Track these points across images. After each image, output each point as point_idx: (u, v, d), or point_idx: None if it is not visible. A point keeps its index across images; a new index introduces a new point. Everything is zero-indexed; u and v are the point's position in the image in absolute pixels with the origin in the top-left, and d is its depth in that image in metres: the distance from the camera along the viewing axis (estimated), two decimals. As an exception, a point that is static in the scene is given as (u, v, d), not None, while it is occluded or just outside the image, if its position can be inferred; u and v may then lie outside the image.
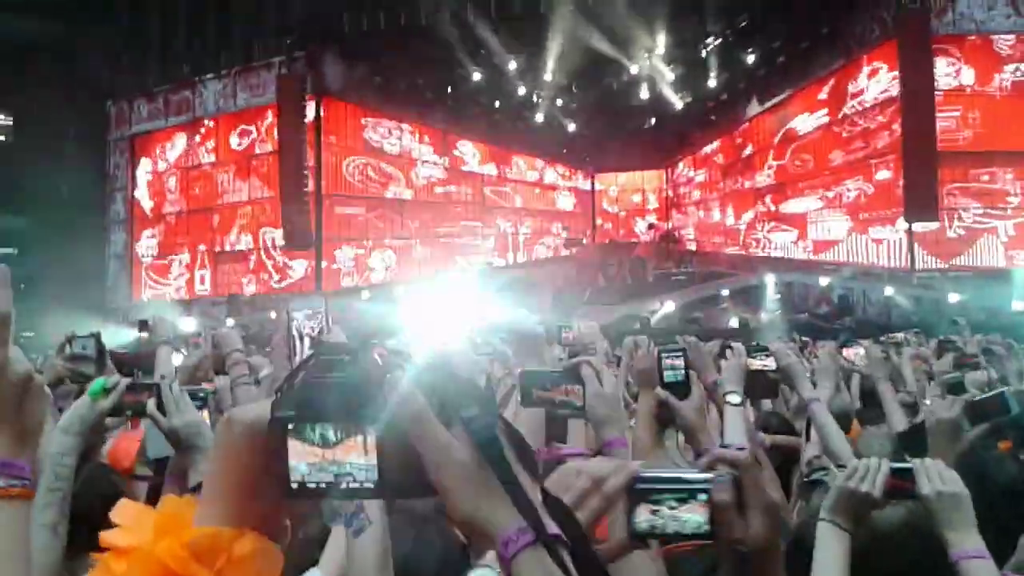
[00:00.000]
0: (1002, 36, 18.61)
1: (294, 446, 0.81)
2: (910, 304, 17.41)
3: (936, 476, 1.82)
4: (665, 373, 2.31)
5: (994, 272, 18.13)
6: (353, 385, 0.82)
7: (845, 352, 4.78)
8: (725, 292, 21.02)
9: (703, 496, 1.03)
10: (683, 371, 2.31)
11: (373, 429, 0.80)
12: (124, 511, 0.93)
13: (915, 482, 1.83)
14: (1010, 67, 18.61)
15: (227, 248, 23.76)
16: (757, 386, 3.12)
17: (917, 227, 17.97)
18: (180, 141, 24.67)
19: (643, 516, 1.05)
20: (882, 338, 10.52)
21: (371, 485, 0.81)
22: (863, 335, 10.73)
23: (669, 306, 19.45)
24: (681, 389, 2.27)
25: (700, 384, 3.44)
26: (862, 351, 4.66)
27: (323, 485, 0.82)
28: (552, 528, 0.80)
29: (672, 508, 1.03)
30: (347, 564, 1.47)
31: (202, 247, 24.19)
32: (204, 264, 24.16)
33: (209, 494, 0.90)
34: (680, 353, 2.33)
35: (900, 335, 9.86)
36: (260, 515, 0.90)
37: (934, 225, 17.80)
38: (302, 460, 0.81)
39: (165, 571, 0.85)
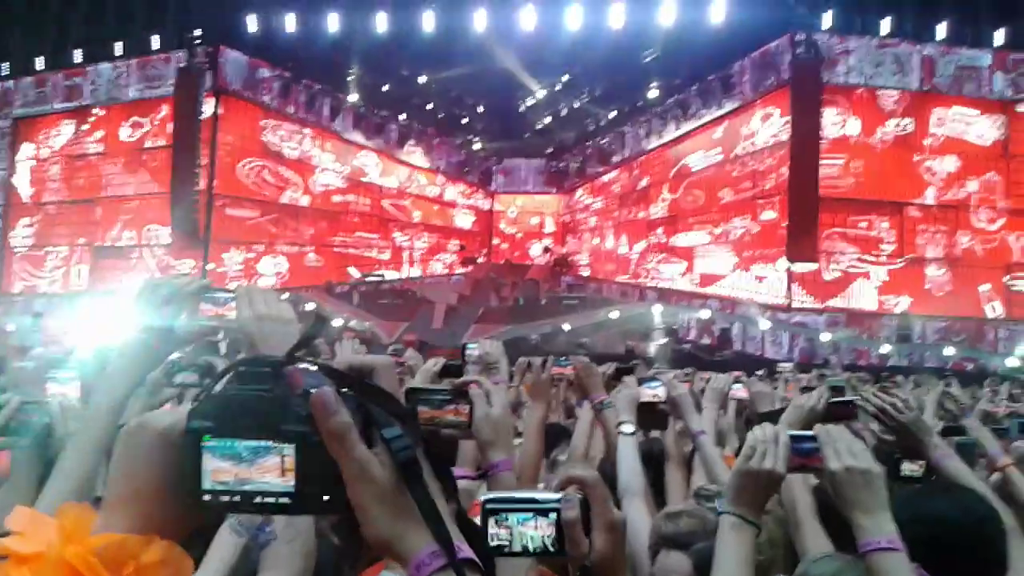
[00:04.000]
0: (887, 91, 19.80)
1: (208, 459, 0.79)
2: (786, 341, 18.20)
3: (845, 449, 1.61)
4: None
5: (865, 315, 19.17)
6: (274, 399, 0.79)
7: (733, 391, 4.90)
8: (615, 316, 21.43)
9: (552, 515, 1.06)
10: None
11: (292, 446, 0.78)
12: (21, 517, 0.88)
13: (819, 454, 1.63)
14: (892, 121, 19.81)
15: (108, 243, 22.76)
16: (647, 417, 3.19)
17: (797, 267, 18.81)
18: (67, 128, 23.57)
19: (495, 533, 1.08)
20: (759, 372, 10.98)
21: (286, 501, 0.79)
22: (741, 368, 11.15)
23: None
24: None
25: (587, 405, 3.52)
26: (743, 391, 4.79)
27: (236, 499, 0.79)
28: (465, 552, 0.79)
29: (523, 526, 1.06)
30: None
31: (82, 240, 23.11)
32: (82, 258, 23.07)
33: (114, 500, 0.87)
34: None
35: (787, 366, 10.32)
36: (168, 522, 0.87)
37: (813, 266, 18.67)
38: (217, 472, 0.79)
39: None
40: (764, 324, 18.72)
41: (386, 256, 27.02)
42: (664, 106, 23.57)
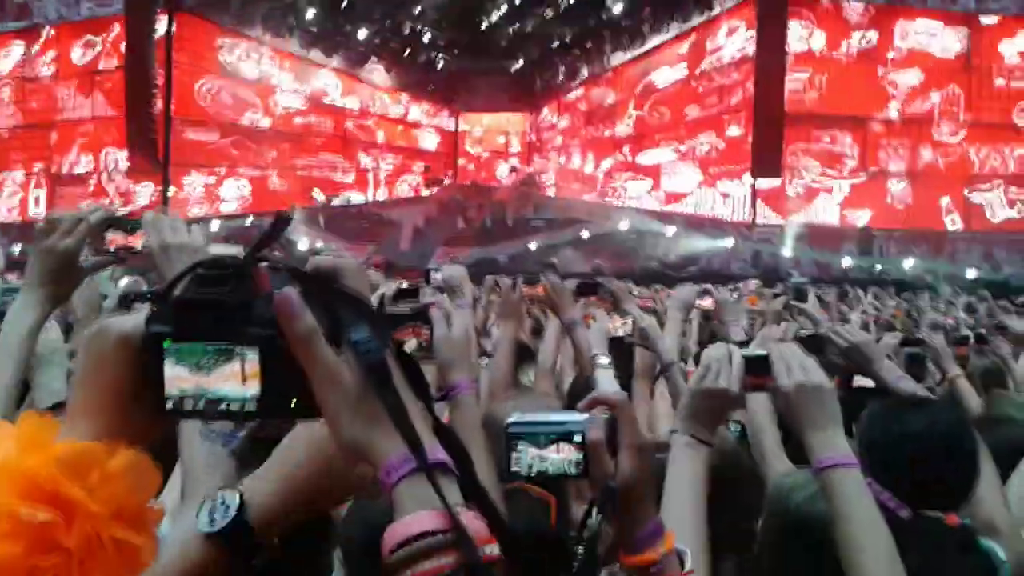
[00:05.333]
0: (852, 3, 19.64)
1: (170, 364, 0.77)
2: (750, 256, 18.41)
3: (796, 365, 1.58)
4: None
5: (828, 230, 19.41)
6: (236, 302, 0.77)
7: (699, 302, 4.96)
8: (585, 234, 21.47)
9: (578, 437, 1.05)
10: None
11: (256, 349, 0.75)
12: None
13: (771, 373, 1.60)
14: (857, 34, 19.70)
15: (65, 169, 22.20)
16: (616, 351, 3.24)
17: (761, 183, 18.92)
18: (16, 49, 22.66)
19: (520, 457, 1.08)
20: (730, 287, 11.14)
21: (251, 408, 0.77)
22: (707, 283, 11.30)
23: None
24: None
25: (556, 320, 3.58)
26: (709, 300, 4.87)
27: (200, 406, 0.77)
28: (438, 455, 0.77)
29: (547, 448, 1.06)
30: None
31: (38, 166, 22.50)
32: (40, 184, 22.52)
33: (77, 407, 0.86)
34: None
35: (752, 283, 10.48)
36: (133, 429, 0.85)
37: (776, 182, 18.79)
38: (179, 379, 0.77)
39: (33, 488, 0.80)
40: (729, 241, 18.88)
41: (350, 178, 26.67)
42: (629, 21, 23.17)
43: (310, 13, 22.88)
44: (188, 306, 0.78)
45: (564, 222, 23.03)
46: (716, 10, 20.63)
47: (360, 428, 0.76)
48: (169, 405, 0.78)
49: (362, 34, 24.28)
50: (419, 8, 23.08)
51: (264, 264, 0.81)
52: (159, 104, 19.52)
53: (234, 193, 22.68)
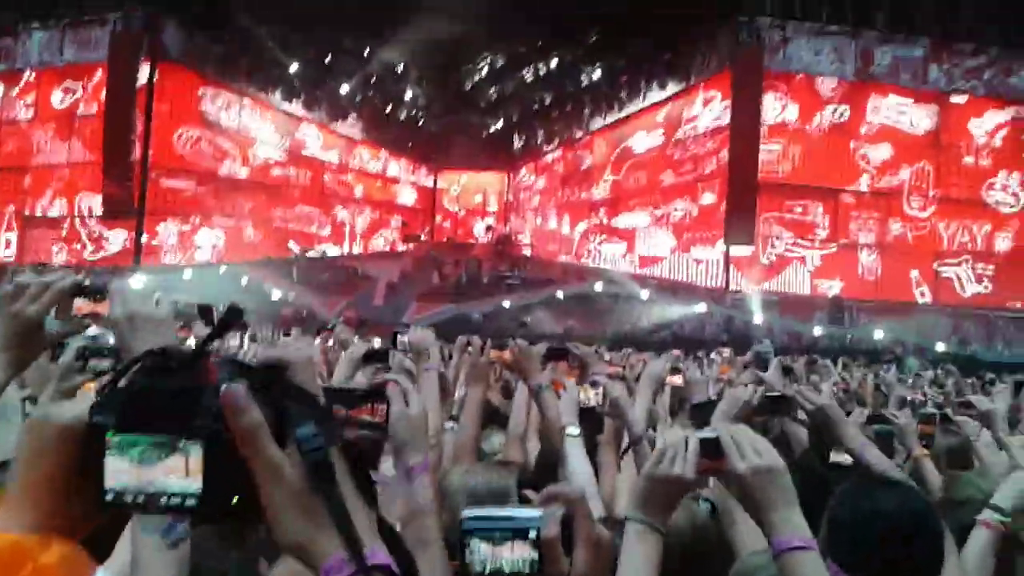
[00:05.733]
0: (826, 78, 20.17)
1: (111, 456, 0.75)
2: (722, 322, 18.53)
3: (748, 447, 1.55)
4: None
5: (799, 299, 19.62)
6: (182, 395, 0.76)
7: (669, 379, 4.93)
8: (560, 295, 21.52)
9: (532, 533, 1.03)
10: None
11: (200, 444, 0.74)
12: None
13: (725, 457, 1.57)
14: (830, 108, 20.20)
15: (38, 213, 22.02)
16: (586, 421, 3.22)
17: (734, 250, 19.14)
18: (-5, 92, 22.67)
19: (474, 553, 1.06)
20: (699, 353, 11.19)
21: (192, 503, 0.75)
22: (678, 348, 11.34)
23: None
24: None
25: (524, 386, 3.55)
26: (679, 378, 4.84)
27: (140, 500, 0.76)
28: (379, 558, 0.76)
29: (502, 545, 1.04)
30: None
31: (11, 208, 22.31)
32: (11, 227, 22.29)
33: (16, 496, 0.85)
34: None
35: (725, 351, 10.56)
36: (72, 520, 0.84)
37: (749, 249, 19.01)
38: (119, 472, 0.75)
39: None
40: (701, 307, 19.01)
41: (327, 232, 26.68)
42: (607, 87, 23.66)
43: (293, 67, 23.12)
44: (133, 397, 0.77)
45: (539, 282, 23.12)
46: (693, 80, 21.09)
47: (301, 527, 0.76)
48: (109, 497, 0.76)
49: (344, 89, 24.53)
50: (402, 66, 23.41)
51: (212, 357, 0.80)
52: (137, 151, 19.50)
53: (208, 242, 22.56)
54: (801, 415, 3.00)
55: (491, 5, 18.60)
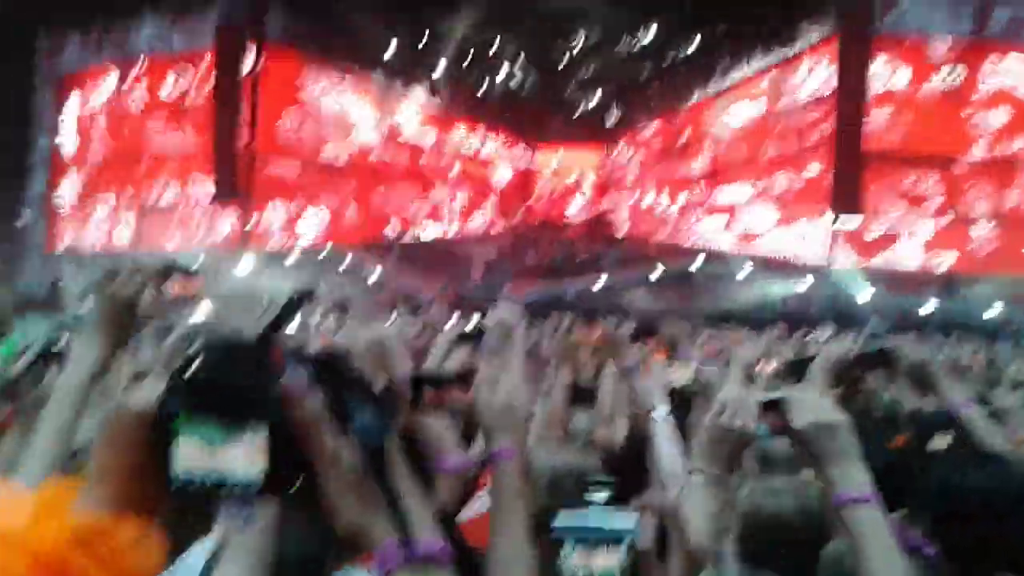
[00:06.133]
0: (939, 38, 19.13)
1: (180, 442, 0.79)
2: (828, 299, 17.96)
3: (809, 406, 1.60)
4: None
5: (910, 274, 18.82)
6: (247, 383, 0.80)
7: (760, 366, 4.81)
8: (656, 274, 21.31)
9: (628, 541, 1.06)
10: None
11: (263, 431, 0.78)
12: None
13: (787, 416, 1.61)
14: (944, 70, 19.18)
15: (152, 200, 23.04)
16: (677, 401, 3.17)
17: (841, 223, 18.48)
18: (110, 82, 23.74)
19: (566, 558, 1.06)
20: (801, 331, 10.90)
21: (257, 487, 0.79)
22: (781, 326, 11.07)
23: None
24: None
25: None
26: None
27: (208, 483, 0.80)
28: (433, 545, 0.81)
29: (595, 551, 1.05)
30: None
31: (126, 194, 23.40)
32: (127, 216, 23.40)
33: (94, 477, 0.89)
34: None
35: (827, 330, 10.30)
36: (145, 502, 0.89)
37: (859, 218, 18.32)
38: (188, 456, 0.79)
39: (43, 559, 0.83)
40: (805, 283, 18.47)
41: (425, 212, 27.04)
42: (707, 57, 23.09)
43: (392, 45, 23.40)
44: (200, 384, 0.81)
45: (635, 260, 22.90)
46: (798, 46, 20.35)
47: (358, 514, 0.80)
48: (178, 481, 0.81)
49: (441, 66, 24.73)
50: (498, 43, 23.42)
51: (278, 345, 0.84)
52: (244, 137, 20.15)
53: (312, 226, 23.17)
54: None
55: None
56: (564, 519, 1.08)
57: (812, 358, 2.68)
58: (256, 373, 0.80)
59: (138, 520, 0.88)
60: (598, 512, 1.10)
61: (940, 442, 2.46)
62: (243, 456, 0.78)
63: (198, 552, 1.66)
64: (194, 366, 0.82)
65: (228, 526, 1.37)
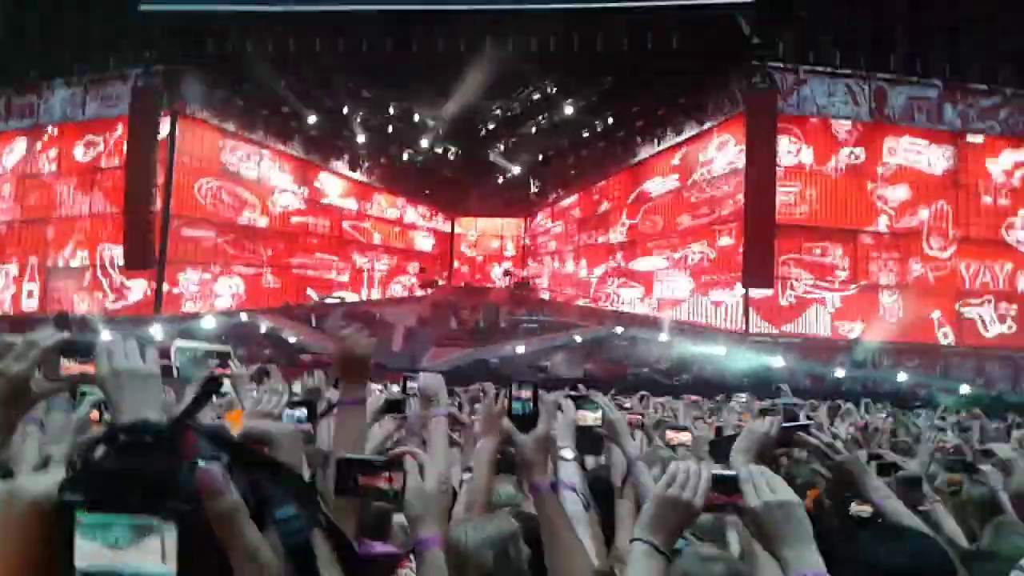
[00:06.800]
0: (840, 121, 20.18)
1: (82, 537, 0.71)
2: (743, 367, 18.35)
3: (764, 484, 1.57)
4: (513, 404, 2.26)
5: (820, 341, 19.43)
6: (156, 473, 0.72)
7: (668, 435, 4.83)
8: (578, 339, 21.48)
9: None
10: (531, 403, 2.28)
11: (175, 526, 0.70)
12: None
13: (739, 493, 1.60)
14: (846, 151, 20.19)
15: (60, 264, 22.32)
16: (585, 440, 3.18)
17: (753, 293, 19.02)
18: (19, 146, 23.14)
19: None
20: (718, 398, 11.08)
21: None
22: (698, 393, 11.26)
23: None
24: (526, 422, 2.22)
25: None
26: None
27: None
28: None
29: None
30: None
31: (33, 260, 22.63)
32: (34, 277, 22.59)
33: None
34: (530, 386, 2.30)
35: (742, 396, 10.47)
36: None
37: (768, 292, 18.89)
38: (90, 552, 0.71)
39: None
40: (720, 350, 18.86)
41: (345, 278, 26.85)
42: (622, 133, 23.84)
43: (311, 118, 23.48)
44: (105, 474, 0.73)
45: (557, 325, 23.08)
46: (707, 124, 21.17)
47: None
48: None
49: (361, 138, 24.86)
50: (417, 116, 23.72)
51: (192, 429, 0.77)
52: (158, 202, 19.76)
53: (228, 290, 22.73)
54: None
55: (504, 53, 18.81)
56: None
57: (734, 437, 2.70)
58: (167, 461, 0.72)
59: None
60: None
61: (862, 508, 2.52)
62: (151, 553, 0.70)
63: None
64: (97, 452, 0.75)
65: None
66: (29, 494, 0.78)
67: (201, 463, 0.72)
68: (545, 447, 2.10)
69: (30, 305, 22.45)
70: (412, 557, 1.74)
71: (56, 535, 0.72)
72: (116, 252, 20.75)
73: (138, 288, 21.11)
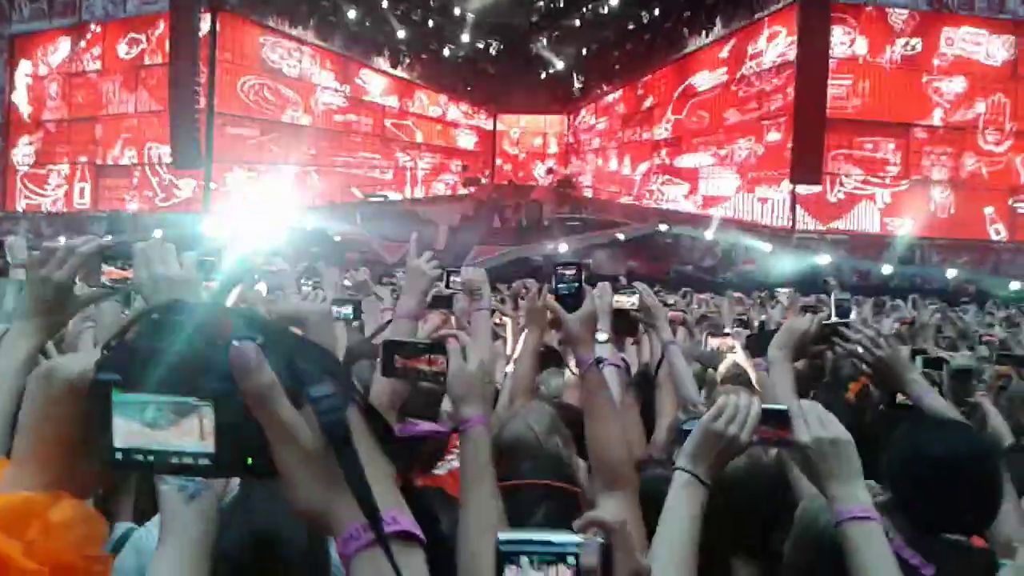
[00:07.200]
0: (897, 10, 19.29)
1: (119, 416, 0.71)
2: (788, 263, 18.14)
3: (815, 420, 1.56)
4: (559, 285, 2.28)
5: (869, 237, 19.11)
6: (191, 352, 0.71)
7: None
8: (621, 237, 21.38)
9: (571, 559, 1.00)
10: (576, 284, 2.28)
11: (211, 405, 0.70)
12: None
13: (790, 427, 1.58)
14: (901, 41, 19.37)
15: (109, 162, 22.61)
16: (620, 324, 3.21)
17: (800, 190, 18.66)
18: (64, 45, 23.18)
19: (512, 574, 1.03)
20: (761, 294, 11.04)
21: (205, 463, 0.71)
22: (742, 289, 11.22)
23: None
24: (572, 301, 2.24)
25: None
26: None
27: (150, 459, 0.71)
28: (400, 524, 0.74)
29: (540, 570, 0.99)
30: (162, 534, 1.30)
31: (83, 159, 22.96)
32: (84, 177, 22.97)
33: (23, 453, 0.80)
34: (574, 267, 2.31)
35: (783, 291, 10.41)
36: (81, 479, 0.80)
37: (816, 188, 18.52)
38: (127, 431, 0.71)
39: None
40: (766, 247, 18.65)
41: (388, 176, 26.85)
42: (669, 23, 23.05)
43: (352, 13, 23.07)
44: (140, 354, 0.72)
45: (600, 223, 22.95)
46: (757, 14, 20.39)
47: (318, 492, 0.72)
48: (119, 456, 0.72)
49: (402, 34, 24.43)
50: (459, 10, 23.16)
51: (226, 310, 0.77)
52: (202, 101, 19.77)
53: (274, 188, 22.88)
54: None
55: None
56: (507, 539, 1.03)
57: (773, 332, 2.65)
58: (201, 340, 0.71)
59: (72, 499, 0.79)
60: (542, 531, 1.06)
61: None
62: (191, 433, 0.70)
63: (144, 535, 1.58)
64: (133, 332, 0.73)
65: (171, 507, 1.26)
66: (66, 372, 0.78)
67: (235, 342, 0.70)
68: (592, 326, 2.18)
69: (81, 204, 22.90)
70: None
71: (94, 414, 0.72)
72: (163, 151, 20.92)
73: (187, 187, 21.35)
